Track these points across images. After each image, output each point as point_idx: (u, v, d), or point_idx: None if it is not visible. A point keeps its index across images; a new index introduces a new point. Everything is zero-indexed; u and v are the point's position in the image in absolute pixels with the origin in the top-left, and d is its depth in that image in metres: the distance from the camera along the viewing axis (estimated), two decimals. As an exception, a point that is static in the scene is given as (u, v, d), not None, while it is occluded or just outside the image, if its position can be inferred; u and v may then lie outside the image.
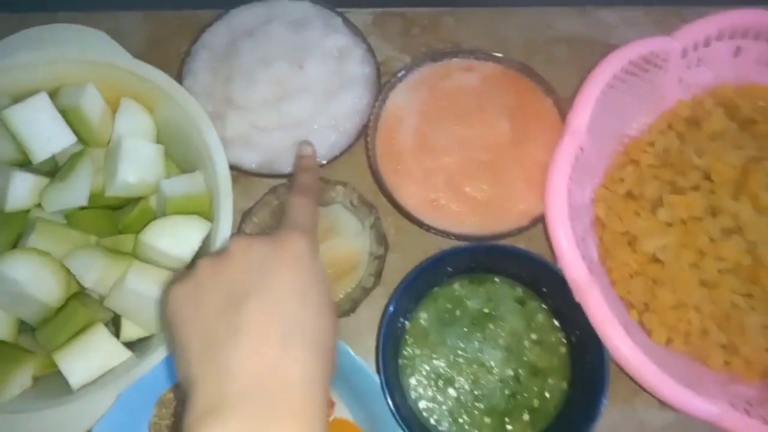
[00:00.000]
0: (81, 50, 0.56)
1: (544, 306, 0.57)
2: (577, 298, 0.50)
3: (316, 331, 0.35)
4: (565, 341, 0.56)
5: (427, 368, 0.55)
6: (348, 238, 0.58)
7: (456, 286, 0.57)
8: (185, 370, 0.34)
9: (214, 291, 0.35)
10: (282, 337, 0.33)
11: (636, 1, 0.69)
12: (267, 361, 0.32)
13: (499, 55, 0.63)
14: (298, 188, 0.46)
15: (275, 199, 0.57)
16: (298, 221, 0.41)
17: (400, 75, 0.62)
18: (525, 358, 0.55)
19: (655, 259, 0.54)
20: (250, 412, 0.30)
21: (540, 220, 0.57)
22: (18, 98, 0.54)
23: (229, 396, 0.31)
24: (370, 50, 0.62)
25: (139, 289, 0.49)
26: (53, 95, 0.55)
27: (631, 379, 0.49)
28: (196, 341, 0.34)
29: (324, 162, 0.59)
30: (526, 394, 0.54)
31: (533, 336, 0.56)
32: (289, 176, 0.58)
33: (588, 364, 0.53)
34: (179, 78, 0.61)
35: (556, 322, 0.56)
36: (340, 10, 0.65)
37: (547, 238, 0.57)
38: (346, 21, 0.64)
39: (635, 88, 0.58)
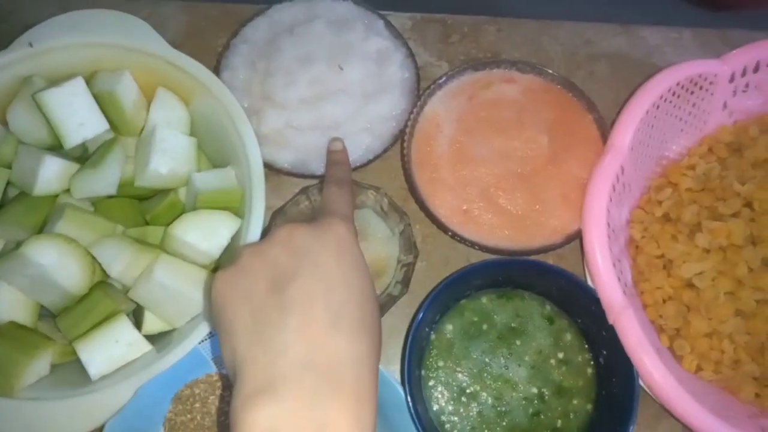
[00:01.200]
0: (120, 37, 0.55)
1: (573, 325, 0.55)
2: (610, 320, 0.49)
3: (362, 312, 0.34)
4: (592, 362, 0.55)
5: (450, 381, 0.54)
6: (376, 244, 0.57)
7: (484, 299, 0.56)
8: (232, 353, 0.33)
9: (259, 274, 0.35)
10: (330, 316, 0.33)
11: (680, 23, 0.68)
12: (316, 339, 0.32)
13: (543, 68, 0.62)
14: (333, 180, 0.47)
15: (306, 199, 0.57)
16: (336, 209, 0.42)
17: (440, 82, 0.61)
18: (551, 377, 0.54)
19: (690, 284, 0.53)
20: (303, 390, 0.30)
21: (574, 238, 0.56)
22: (54, 81, 0.54)
23: (280, 374, 0.31)
24: (411, 55, 0.62)
25: (165, 282, 0.48)
26: (89, 80, 0.54)
27: (660, 404, 0.48)
28: (243, 323, 0.34)
29: (356, 165, 0.58)
30: (549, 414, 0.53)
31: (560, 355, 0.55)
32: (321, 177, 0.58)
33: (615, 388, 0.52)
34: (216, 71, 0.61)
35: (585, 342, 0.55)
36: (381, 12, 0.64)
37: (581, 257, 0.56)
38: (388, 24, 0.63)
39: (678, 109, 0.57)
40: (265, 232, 0.51)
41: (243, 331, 0.33)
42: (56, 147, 0.54)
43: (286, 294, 0.33)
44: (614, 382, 0.52)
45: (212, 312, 0.37)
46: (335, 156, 0.54)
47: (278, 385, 0.30)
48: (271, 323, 0.33)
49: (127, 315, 0.51)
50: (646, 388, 0.50)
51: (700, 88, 0.57)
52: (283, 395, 0.30)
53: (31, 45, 0.54)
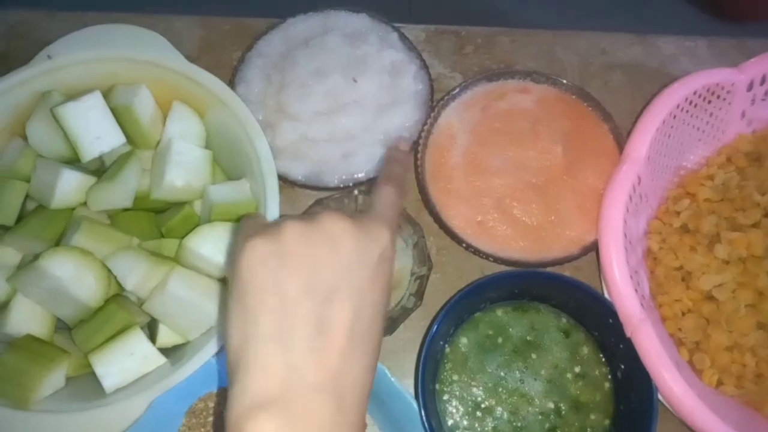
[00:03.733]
0: (137, 51, 0.56)
1: (589, 338, 0.55)
2: (628, 334, 0.49)
3: (378, 339, 0.34)
4: (610, 376, 0.54)
5: (465, 395, 0.53)
6: (390, 256, 0.57)
7: (499, 312, 0.55)
8: (243, 340, 0.31)
9: (300, 267, 0.32)
10: (355, 343, 0.32)
11: (697, 32, 0.68)
12: (338, 364, 0.31)
13: (557, 78, 0.61)
14: (391, 179, 0.42)
15: (321, 211, 0.56)
16: (389, 216, 0.38)
17: (453, 93, 0.61)
18: (567, 392, 0.53)
19: (709, 297, 0.52)
20: (315, 412, 0.30)
21: (591, 250, 0.55)
22: (72, 95, 0.54)
23: (296, 390, 0.30)
24: (425, 67, 0.62)
25: (180, 295, 0.48)
26: (106, 94, 0.55)
27: (680, 420, 0.47)
28: (267, 319, 0.31)
29: (370, 177, 0.58)
30: (566, 429, 0.52)
31: (577, 369, 0.54)
32: (335, 190, 0.58)
33: (633, 402, 0.51)
34: (231, 84, 0.61)
35: (602, 356, 0.54)
36: (395, 25, 0.64)
37: (597, 269, 0.55)
38: (402, 37, 0.63)
39: (695, 119, 0.57)
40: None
41: (264, 330, 0.31)
42: (74, 160, 0.55)
43: (321, 310, 0.32)
44: (633, 397, 0.51)
45: (235, 277, 0.33)
46: (398, 154, 0.48)
47: (290, 401, 0.29)
48: (297, 337, 0.31)
49: (142, 328, 0.51)
50: (665, 403, 0.49)
51: (718, 97, 0.56)
52: (294, 413, 0.29)
53: (49, 57, 0.55)
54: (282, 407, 0.29)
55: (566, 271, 0.58)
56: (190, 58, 0.56)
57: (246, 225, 0.37)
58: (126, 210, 0.55)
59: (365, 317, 0.33)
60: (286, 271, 0.32)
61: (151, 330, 0.52)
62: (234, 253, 0.35)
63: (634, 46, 0.68)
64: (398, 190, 0.41)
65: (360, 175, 0.58)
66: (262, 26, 0.65)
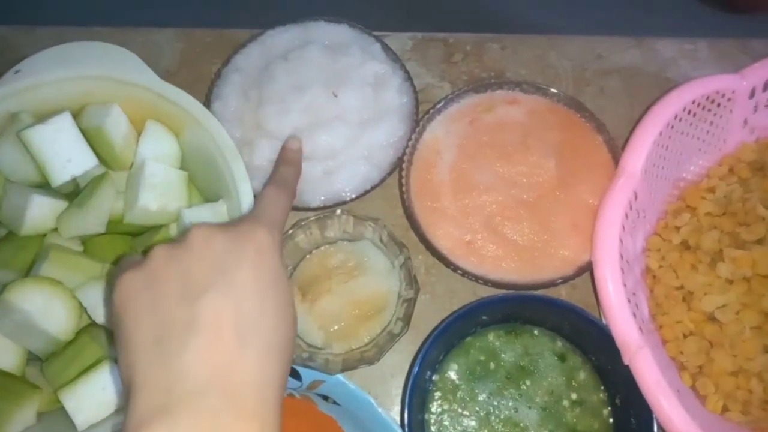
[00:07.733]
0: (108, 69, 0.54)
1: (586, 363, 0.52)
2: (626, 360, 0.46)
3: (274, 333, 0.33)
4: (608, 403, 0.51)
5: (456, 425, 0.50)
6: (376, 277, 0.54)
7: (491, 336, 0.53)
8: (129, 369, 0.31)
9: (169, 283, 0.33)
10: (239, 337, 0.31)
11: (697, 34, 0.64)
12: (223, 360, 0.30)
13: (548, 87, 0.58)
14: (276, 180, 0.45)
15: (302, 232, 0.54)
16: (266, 214, 0.39)
17: (439, 106, 0.58)
18: (564, 420, 0.50)
19: (712, 318, 0.49)
20: (203, 413, 0.29)
21: (586, 270, 0.53)
22: (42, 116, 0.52)
23: (179, 395, 0.29)
24: (409, 79, 0.59)
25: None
26: (77, 115, 0.53)
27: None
28: (144, 336, 0.31)
29: (353, 196, 0.55)
30: (563, 460, 0.50)
31: (573, 395, 0.51)
32: (317, 210, 0.55)
33: (634, 430, 0.48)
34: (207, 101, 0.59)
35: (600, 382, 0.51)
36: (378, 34, 0.62)
37: (593, 288, 0.53)
38: (385, 47, 0.61)
39: (694, 128, 0.54)
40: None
41: (143, 346, 0.31)
42: (46, 184, 0.53)
43: (195, 310, 0.31)
44: (633, 424, 0.48)
45: (112, 315, 0.34)
46: (289, 155, 0.51)
47: (174, 408, 0.28)
48: (176, 339, 0.31)
49: (115, 361, 0.49)
50: (667, 432, 0.46)
51: (718, 105, 0.53)
52: (179, 419, 0.28)
53: (16, 72, 0.53)
54: (166, 417, 0.28)
55: (562, 289, 0.56)
56: (169, 72, 0.54)
57: (119, 265, 0.38)
58: (100, 234, 0.52)
59: (250, 308, 0.32)
60: (157, 291, 0.33)
61: (127, 361, 0.50)
62: (110, 295, 0.35)
63: (631, 49, 0.65)
64: (284, 191, 0.43)
65: (343, 194, 0.56)
66: (244, 37, 0.63)
